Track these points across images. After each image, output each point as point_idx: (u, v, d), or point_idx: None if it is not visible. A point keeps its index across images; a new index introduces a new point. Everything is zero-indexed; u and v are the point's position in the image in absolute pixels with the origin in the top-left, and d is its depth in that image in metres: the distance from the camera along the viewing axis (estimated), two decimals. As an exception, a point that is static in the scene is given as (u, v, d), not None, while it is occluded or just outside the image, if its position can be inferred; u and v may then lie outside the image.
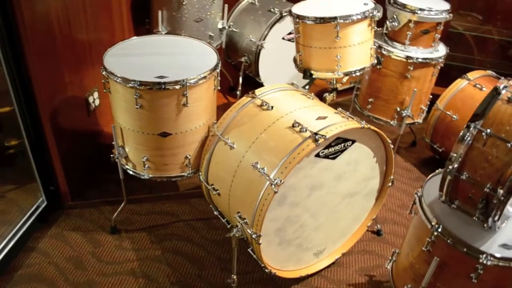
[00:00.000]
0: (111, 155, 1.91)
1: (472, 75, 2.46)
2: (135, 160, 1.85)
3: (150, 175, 1.85)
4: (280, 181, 1.51)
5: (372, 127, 1.67)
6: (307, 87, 2.70)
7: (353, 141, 1.68)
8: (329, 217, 1.83)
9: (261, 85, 2.71)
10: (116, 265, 1.93)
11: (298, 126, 1.62)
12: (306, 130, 1.59)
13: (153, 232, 2.10)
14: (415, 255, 1.54)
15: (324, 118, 1.69)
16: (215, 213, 1.92)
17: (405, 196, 2.38)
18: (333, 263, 1.98)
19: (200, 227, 2.13)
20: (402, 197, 2.38)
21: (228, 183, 1.71)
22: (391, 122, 2.37)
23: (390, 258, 1.76)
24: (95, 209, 2.20)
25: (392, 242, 2.14)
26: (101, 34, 2.32)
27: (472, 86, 2.39)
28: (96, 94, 2.33)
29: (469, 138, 1.26)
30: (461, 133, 1.28)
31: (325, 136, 1.54)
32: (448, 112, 2.40)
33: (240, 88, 2.73)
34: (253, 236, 1.59)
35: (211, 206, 1.94)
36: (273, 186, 1.52)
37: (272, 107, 1.76)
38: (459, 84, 2.43)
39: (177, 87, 1.65)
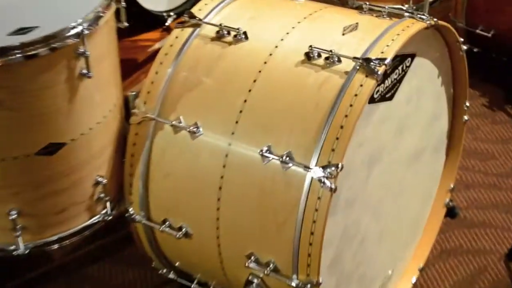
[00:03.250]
0: None
1: None
2: (-11, 225, 1.65)
3: (31, 245, 1.70)
4: (337, 167, 1.44)
5: (441, 22, 1.68)
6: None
7: (413, 56, 1.67)
8: (394, 208, 1.87)
9: (140, 7, 2.48)
10: None
11: (321, 54, 1.53)
12: (339, 59, 1.52)
13: None
14: None
15: (355, 27, 1.63)
16: (170, 276, 1.84)
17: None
18: (411, 290, 2.01)
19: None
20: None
21: (208, 206, 1.61)
22: (405, 8, 2.33)
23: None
24: None
25: (481, 221, 2.19)
26: None
27: None
28: None
29: None
30: None
31: (385, 59, 1.48)
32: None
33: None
34: (307, 290, 1.51)
35: (154, 265, 1.85)
36: (325, 182, 1.43)
37: (244, 34, 1.65)
38: None
39: (69, 41, 1.48)
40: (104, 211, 1.76)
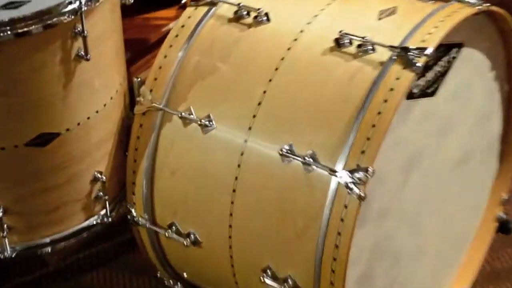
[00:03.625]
0: None
1: None
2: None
3: (18, 247, 1.66)
4: (367, 172, 1.39)
5: (494, 7, 1.61)
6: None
7: (460, 46, 1.61)
8: (435, 220, 1.82)
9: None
10: None
11: (353, 42, 1.50)
12: (373, 48, 1.47)
13: None
14: None
15: (394, 11, 1.59)
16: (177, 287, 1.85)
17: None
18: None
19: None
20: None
21: (220, 211, 1.59)
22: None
23: None
24: None
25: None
26: None
27: None
28: None
29: None
30: None
31: (426, 49, 1.44)
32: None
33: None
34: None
35: (160, 275, 1.83)
36: (353, 188, 1.38)
37: (266, 15, 1.61)
38: None
39: (65, 18, 1.43)
40: (103, 212, 1.71)
